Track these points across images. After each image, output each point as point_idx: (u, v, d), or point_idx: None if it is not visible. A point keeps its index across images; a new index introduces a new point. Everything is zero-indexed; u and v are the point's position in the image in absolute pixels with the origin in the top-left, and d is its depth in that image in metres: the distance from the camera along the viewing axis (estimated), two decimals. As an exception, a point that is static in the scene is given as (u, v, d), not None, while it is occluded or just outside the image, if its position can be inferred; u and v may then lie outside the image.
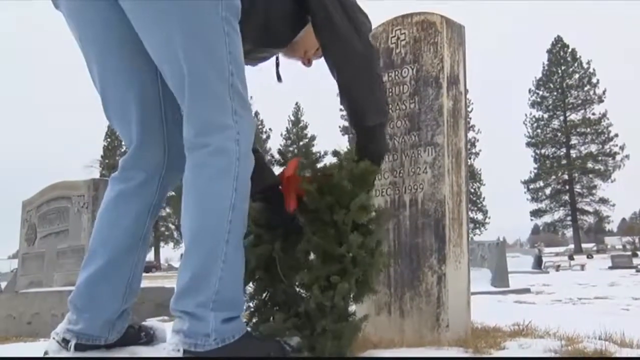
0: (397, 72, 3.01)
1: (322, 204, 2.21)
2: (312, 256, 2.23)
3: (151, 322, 2.52)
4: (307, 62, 2.60)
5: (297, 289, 2.29)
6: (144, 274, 2.43)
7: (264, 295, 2.34)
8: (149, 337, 2.44)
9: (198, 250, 1.97)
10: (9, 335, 3.54)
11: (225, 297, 1.96)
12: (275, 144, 73.85)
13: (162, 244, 66.77)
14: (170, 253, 74.04)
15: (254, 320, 2.36)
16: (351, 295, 2.20)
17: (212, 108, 2.00)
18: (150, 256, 63.23)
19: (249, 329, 2.38)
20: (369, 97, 2.33)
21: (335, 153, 2.34)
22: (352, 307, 2.35)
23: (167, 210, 64.95)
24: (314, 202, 2.21)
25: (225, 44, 2.00)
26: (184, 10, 1.94)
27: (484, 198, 66.61)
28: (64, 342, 2.21)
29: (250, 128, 2.08)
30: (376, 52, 2.48)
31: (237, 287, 2.03)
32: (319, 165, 2.33)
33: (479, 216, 65.22)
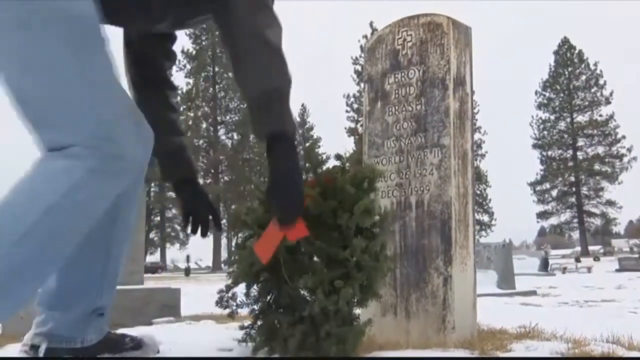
0: (403, 74, 3.01)
1: (325, 207, 2.19)
2: (316, 259, 2.21)
3: (140, 330, 2.42)
4: None
5: (302, 292, 2.28)
6: (149, 275, 2.38)
7: (269, 297, 2.33)
8: (136, 343, 2.27)
9: None
10: (17, 335, 3.54)
11: None
12: (280, 145, 73.77)
13: (167, 245, 66.78)
14: (176, 254, 74.31)
15: (258, 323, 2.35)
16: (355, 300, 2.20)
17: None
18: (156, 257, 63.42)
19: (253, 332, 2.38)
20: (274, 55, 2.08)
21: (338, 157, 2.33)
22: (358, 310, 2.35)
23: (173, 211, 64.98)
24: (317, 207, 2.19)
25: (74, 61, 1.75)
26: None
27: (490, 200, 66.49)
28: (33, 349, 2.09)
29: (126, 151, 1.81)
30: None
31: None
32: (323, 167, 2.32)
33: (485, 218, 65.11)
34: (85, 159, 1.70)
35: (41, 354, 2.06)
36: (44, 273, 1.75)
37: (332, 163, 2.38)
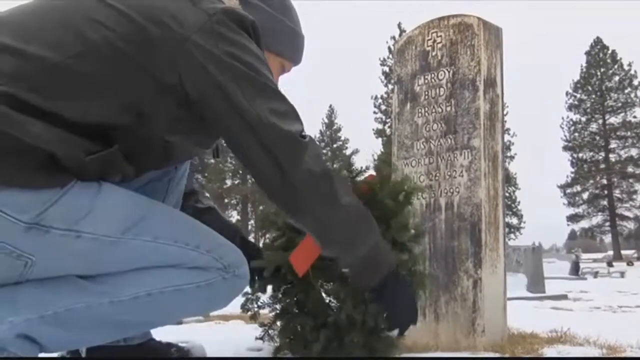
0: (433, 75, 3.01)
1: None
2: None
3: (191, 342, 2.40)
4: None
5: (328, 299, 2.30)
6: None
7: (292, 300, 2.35)
8: (182, 353, 2.29)
9: (112, 276, 1.79)
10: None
11: (65, 321, 1.71)
12: (308, 146, 73.74)
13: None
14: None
15: (278, 323, 2.38)
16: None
17: None
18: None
19: (271, 331, 2.40)
20: (338, 226, 1.90)
21: (377, 169, 2.33)
22: None
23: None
24: None
25: (154, 246, 1.80)
26: (93, 266, 1.77)
27: (519, 202, 65.78)
28: (74, 354, 2.13)
29: (243, 271, 1.94)
30: (331, 175, 1.88)
31: (85, 331, 1.76)
32: (361, 177, 2.32)
33: (514, 220, 64.47)
34: (219, 272, 1.86)
35: (83, 354, 2.10)
36: (129, 331, 1.95)
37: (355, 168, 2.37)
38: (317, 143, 1.89)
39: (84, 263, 1.73)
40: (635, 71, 70.03)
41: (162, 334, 2.51)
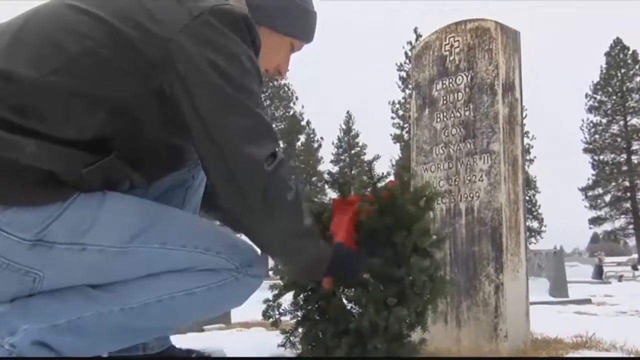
0: (451, 80, 3.01)
1: (380, 224, 2.19)
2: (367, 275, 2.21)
3: (210, 348, 2.38)
4: (280, 73, 2.25)
5: (349, 306, 2.30)
6: None
7: (315, 306, 2.35)
8: (202, 358, 2.27)
9: (121, 284, 1.81)
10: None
11: (78, 329, 1.72)
12: (326, 152, 73.98)
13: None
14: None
15: (300, 330, 2.38)
16: (407, 321, 2.19)
17: None
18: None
19: (292, 338, 2.41)
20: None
21: (398, 175, 2.35)
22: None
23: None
24: (373, 222, 2.19)
25: (163, 252, 1.80)
26: (102, 276, 1.78)
27: (539, 206, 65.26)
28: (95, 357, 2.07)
29: (258, 271, 1.96)
30: (290, 206, 1.83)
31: (98, 338, 1.79)
32: (382, 183, 2.32)
33: (535, 224, 63.97)
34: (230, 273, 1.87)
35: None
36: (143, 337, 1.94)
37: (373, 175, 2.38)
38: (285, 165, 1.82)
39: (92, 274, 1.75)
40: (656, 72, 69.44)
41: (184, 340, 2.54)
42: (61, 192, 1.65)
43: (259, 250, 1.96)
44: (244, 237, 2.02)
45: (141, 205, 1.83)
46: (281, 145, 1.79)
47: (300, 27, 2.17)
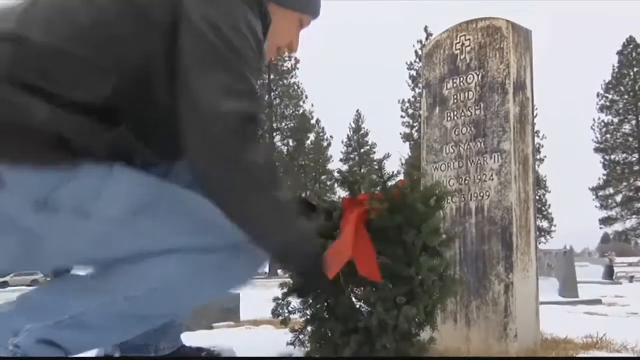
0: (462, 79, 3.01)
1: (390, 223, 2.19)
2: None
3: (220, 346, 2.36)
4: (291, 50, 2.26)
5: (358, 305, 2.30)
6: None
7: (324, 305, 2.35)
8: (213, 358, 2.27)
9: (119, 275, 1.79)
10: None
11: (83, 323, 1.72)
12: (336, 151, 73.91)
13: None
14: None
15: (309, 329, 2.39)
16: (417, 320, 2.19)
17: None
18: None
19: (302, 336, 2.41)
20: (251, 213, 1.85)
21: (408, 174, 2.35)
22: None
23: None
24: (383, 221, 2.19)
25: (170, 224, 1.79)
26: (105, 247, 1.76)
27: (549, 206, 65.10)
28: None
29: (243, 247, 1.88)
30: (254, 169, 1.80)
31: (104, 330, 1.77)
32: (392, 182, 2.32)
33: (545, 224, 63.79)
34: (229, 252, 1.82)
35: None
36: (147, 325, 1.86)
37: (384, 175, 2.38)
38: (256, 127, 1.80)
39: (94, 245, 1.74)
40: (670, 71, 69.12)
41: (193, 338, 2.54)
42: (70, 159, 1.67)
43: None
44: None
45: (147, 180, 1.81)
46: (263, 118, 1.76)
47: (306, 1, 2.20)
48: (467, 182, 2.92)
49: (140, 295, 1.73)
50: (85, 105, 1.69)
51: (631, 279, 32.31)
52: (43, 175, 1.64)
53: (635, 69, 70.46)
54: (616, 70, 71.98)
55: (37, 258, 1.74)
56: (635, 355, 2.63)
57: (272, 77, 64.19)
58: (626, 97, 70.78)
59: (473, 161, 2.91)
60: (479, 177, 2.88)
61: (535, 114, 2.92)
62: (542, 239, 62.92)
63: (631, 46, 71.62)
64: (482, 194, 2.86)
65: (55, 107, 1.63)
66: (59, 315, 1.68)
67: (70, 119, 1.66)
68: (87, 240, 1.73)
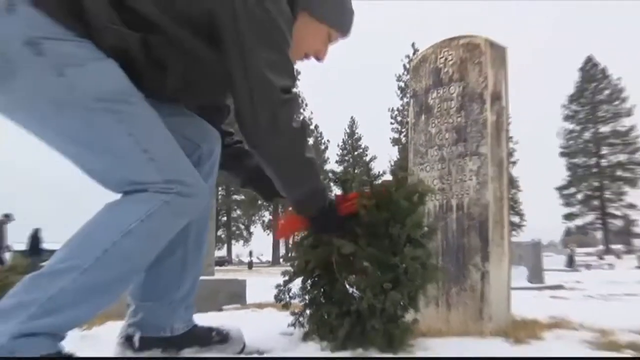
0: (445, 89, 2.97)
1: (378, 218, 2.18)
2: (366, 263, 2.19)
3: (228, 325, 2.30)
4: (318, 59, 2.27)
5: (351, 290, 2.27)
6: (217, 267, 2.34)
7: (320, 291, 2.33)
8: (222, 337, 2.19)
9: (69, 251, 1.70)
10: (113, 314, 3.61)
11: (54, 307, 1.62)
12: (332, 153, 74.04)
13: (233, 241, 67.47)
14: (240, 249, 74.82)
15: (307, 312, 2.36)
16: (401, 303, 2.15)
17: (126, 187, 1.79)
18: (223, 252, 64.09)
19: (301, 319, 2.37)
20: (285, 174, 2.00)
21: (393, 173, 2.33)
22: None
23: (238, 212, 65.56)
24: (371, 216, 2.18)
25: (119, 130, 1.72)
26: (56, 114, 1.71)
27: (520, 203, 65.36)
28: (128, 340, 2.07)
29: (191, 190, 1.82)
30: (293, 133, 1.92)
31: (76, 307, 1.66)
32: (379, 181, 2.30)
33: (516, 219, 63.97)
34: (157, 196, 1.74)
35: (136, 344, 2.06)
36: (116, 289, 1.76)
37: (373, 174, 2.36)
38: (299, 101, 1.98)
39: (50, 105, 1.69)
40: (624, 85, 69.80)
41: (204, 319, 2.51)
42: (79, 27, 1.70)
43: (196, 177, 1.87)
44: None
45: (130, 85, 1.78)
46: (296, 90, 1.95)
47: (337, 18, 2.20)
48: (449, 181, 2.88)
49: (91, 265, 1.65)
50: (128, 6, 1.75)
51: (588, 267, 32.48)
52: (51, 23, 1.65)
53: (594, 84, 71.07)
54: (578, 84, 72.47)
55: (4, 93, 1.70)
56: (591, 333, 2.60)
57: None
58: (586, 108, 71.27)
59: (454, 163, 2.88)
60: (460, 178, 2.84)
61: (509, 122, 2.89)
62: (514, 232, 63.08)
63: (589, 64, 72.34)
64: (462, 193, 2.82)
65: None
66: (28, 308, 1.59)
67: (104, 3, 1.72)
68: (47, 97, 1.69)
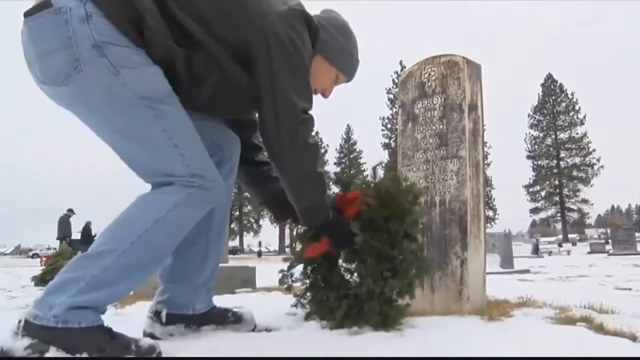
0: (429, 100, 2.94)
1: (379, 214, 2.17)
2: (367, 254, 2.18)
3: (243, 308, 2.30)
4: (324, 95, 2.28)
5: (348, 276, 2.26)
6: (231, 256, 2.33)
7: (320, 276, 2.30)
8: (237, 318, 2.20)
9: (108, 236, 1.74)
10: (143, 295, 3.59)
11: (98, 284, 1.65)
12: (330, 156, 74.01)
13: (244, 233, 67.50)
14: (250, 240, 74.87)
15: (308, 294, 2.33)
16: (397, 290, 2.14)
17: (157, 177, 1.82)
18: (235, 242, 64.14)
19: (303, 300, 2.33)
20: (294, 186, 2.01)
21: (394, 177, 2.31)
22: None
23: (249, 207, 65.57)
24: (373, 213, 2.17)
25: (156, 125, 1.75)
26: (108, 107, 1.74)
27: (494, 199, 65.53)
28: (156, 315, 2.08)
29: (211, 185, 1.84)
30: (308, 148, 1.95)
31: (115, 284, 1.69)
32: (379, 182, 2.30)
33: (490, 213, 64.09)
34: (183, 189, 1.78)
35: (163, 319, 2.07)
36: (148, 269, 1.79)
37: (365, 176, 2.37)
38: (313, 123, 1.97)
39: (106, 99, 1.72)
40: (577, 99, 70.75)
41: (220, 300, 2.49)
42: (138, 39, 1.75)
43: (216, 176, 1.87)
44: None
45: (168, 88, 1.81)
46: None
47: (345, 64, 2.22)
48: (432, 180, 2.84)
49: (127, 249, 1.70)
50: (176, 19, 1.81)
51: (550, 253, 32.55)
52: (113, 30, 1.70)
53: (553, 97, 71.44)
54: (540, 97, 72.79)
55: (70, 83, 1.72)
56: (552, 309, 2.60)
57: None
58: (548, 117, 71.67)
59: (437, 165, 2.84)
60: (442, 177, 2.81)
61: (484, 129, 2.86)
62: (489, 225, 63.17)
63: (550, 80, 72.75)
64: (444, 190, 2.78)
65: (154, 3, 1.78)
66: (77, 284, 1.64)
67: (159, 16, 1.78)
68: (103, 91, 1.72)
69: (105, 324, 1.70)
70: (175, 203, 1.75)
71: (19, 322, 1.62)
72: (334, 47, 2.14)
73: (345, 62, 2.20)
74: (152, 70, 1.77)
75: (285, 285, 2.35)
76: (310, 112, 1.97)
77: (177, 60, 1.81)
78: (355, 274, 2.22)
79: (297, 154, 1.92)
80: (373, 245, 2.13)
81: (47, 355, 1.56)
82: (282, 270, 2.35)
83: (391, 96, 61.71)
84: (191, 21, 1.81)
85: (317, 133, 65.07)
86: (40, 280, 7.58)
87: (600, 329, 2.14)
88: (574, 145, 69.64)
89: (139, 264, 1.73)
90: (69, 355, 1.58)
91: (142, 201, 1.79)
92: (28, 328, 1.60)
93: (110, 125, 1.78)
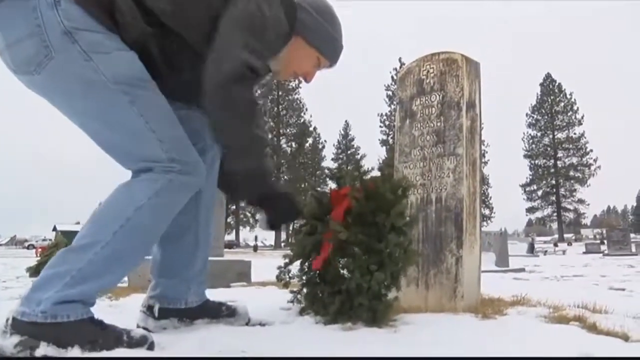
0: (427, 98, 2.93)
1: (366, 208, 2.16)
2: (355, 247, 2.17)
3: (237, 302, 2.28)
4: (305, 80, 2.21)
5: (341, 271, 2.25)
6: (227, 250, 2.32)
7: (316, 273, 2.30)
8: (231, 312, 2.18)
9: (90, 228, 1.71)
10: (138, 287, 3.59)
11: (84, 277, 1.64)
12: (329, 152, 74.01)
13: (240, 227, 67.46)
14: (246, 234, 74.75)
15: (304, 290, 2.34)
16: (385, 283, 2.14)
17: (135, 161, 1.80)
18: (231, 236, 64.05)
19: (299, 296, 2.33)
20: (228, 136, 1.90)
21: (381, 169, 2.32)
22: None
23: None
24: (361, 207, 2.16)
25: (132, 111, 1.72)
26: (82, 94, 1.72)
27: (490, 197, 65.61)
28: (149, 310, 2.07)
29: (192, 169, 1.81)
30: (243, 102, 1.83)
31: (102, 276, 1.68)
32: (366, 177, 2.29)
33: (486, 211, 64.15)
34: (163, 175, 1.75)
35: (156, 314, 2.06)
36: (134, 258, 1.78)
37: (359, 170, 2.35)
38: (254, 83, 1.86)
39: (78, 86, 1.70)
40: (575, 99, 70.87)
41: (215, 294, 2.48)
42: (110, 24, 1.71)
43: (199, 162, 1.85)
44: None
45: (143, 73, 1.78)
46: (267, 78, 1.93)
47: (327, 47, 2.14)
48: (429, 178, 2.84)
49: (110, 240, 1.67)
50: (149, 10, 1.76)
51: (545, 253, 32.59)
52: (87, 16, 1.68)
53: (552, 97, 71.51)
54: (538, 97, 72.84)
55: (40, 71, 1.69)
56: (546, 308, 2.60)
57: (280, 93, 64.21)
58: (546, 117, 71.69)
59: (434, 162, 2.84)
60: (439, 175, 2.80)
61: (482, 126, 2.85)
62: (484, 223, 63.27)
63: (549, 80, 72.78)
64: (440, 188, 2.78)
65: None
66: (62, 279, 1.63)
67: (132, 6, 1.74)
68: (77, 77, 1.69)
69: (97, 316, 1.69)
70: (156, 190, 1.73)
71: (7, 320, 1.60)
72: (316, 30, 2.07)
73: (327, 47, 2.14)
74: (127, 55, 1.74)
75: (282, 281, 2.36)
76: (257, 77, 1.86)
77: (151, 45, 1.79)
78: (347, 270, 2.22)
79: (228, 104, 1.80)
80: (361, 239, 2.12)
81: (38, 350, 1.55)
82: (279, 267, 2.35)
83: (389, 93, 61.72)
84: (163, 4, 1.78)
85: (315, 129, 65.07)
86: (35, 271, 7.59)
87: (593, 328, 2.14)
88: (571, 145, 69.85)
89: (123, 254, 1.71)
90: (60, 350, 1.57)
91: (123, 189, 1.76)
92: (16, 325, 1.58)
93: (86, 112, 1.76)
